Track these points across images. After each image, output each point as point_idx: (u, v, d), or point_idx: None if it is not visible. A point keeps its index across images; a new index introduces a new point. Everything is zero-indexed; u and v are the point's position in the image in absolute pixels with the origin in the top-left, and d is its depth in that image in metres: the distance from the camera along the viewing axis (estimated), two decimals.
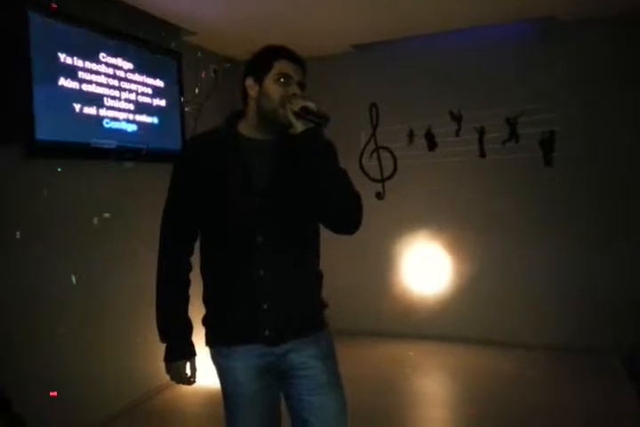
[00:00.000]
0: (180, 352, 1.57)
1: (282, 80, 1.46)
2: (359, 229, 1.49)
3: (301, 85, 1.51)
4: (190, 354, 1.58)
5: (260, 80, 1.49)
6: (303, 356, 1.52)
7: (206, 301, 1.58)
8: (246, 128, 1.53)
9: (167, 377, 1.60)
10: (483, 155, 4.08)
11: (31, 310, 2.64)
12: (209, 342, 1.59)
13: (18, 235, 2.57)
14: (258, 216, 1.47)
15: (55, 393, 2.62)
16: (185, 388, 3.49)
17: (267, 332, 1.48)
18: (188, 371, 1.59)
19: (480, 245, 4.12)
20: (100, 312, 3.00)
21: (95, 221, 2.98)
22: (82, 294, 2.89)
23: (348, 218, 1.46)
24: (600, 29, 3.73)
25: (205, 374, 3.81)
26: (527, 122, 3.89)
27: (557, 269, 3.93)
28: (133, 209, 3.25)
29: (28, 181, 2.63)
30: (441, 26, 3.85)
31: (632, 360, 3.50)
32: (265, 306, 1.47)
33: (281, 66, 1.47)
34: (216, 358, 1.58)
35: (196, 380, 1.62)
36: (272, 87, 1.46)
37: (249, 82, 1.51)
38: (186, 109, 3.65)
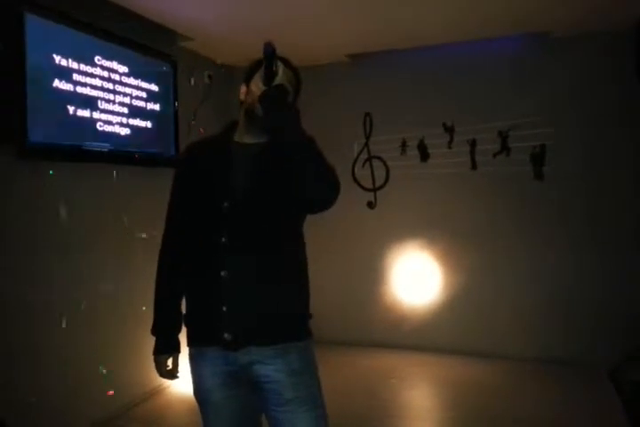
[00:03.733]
0: (163, 347, 1.65)
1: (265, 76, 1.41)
2: (333, 205, 1.46)
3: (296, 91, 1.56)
4: (172, 349, 1.66)
5: (247, 82, 1.52)
6: (268, 369, 1.46)
7: (185, 301, 1.65)
8: (238, 133, 1.57)
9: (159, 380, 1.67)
10: (474, 167, 4.11)
11: (23, 313, 2.61)
12: (187, 342, 1.62)
13: (10, 237, 2.56)
14: (225, 217, 1.47)
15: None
16: (175, 393, 3.50)
17: (225, 335, 1.46)
18: (170, 365, 1.66)
19: (470, 257, 4.14)
20: (89, 318, 2.97)
21: (87, 226, 2.97)
22: (74, 297, 2.87)
23: (326, 187, 1.43)
24: (593, 45, 3.78)
25: (190, 383, 3.77)
26: (519, 135, 3.93)
27: (546, 282, 3.96)
28: (125, 213, 3.23)
29: (20, 182, 2.62)
30: (436, 38, 3.89)
31: (618, 373, 3.52)
32: (224, 308, 1.45)
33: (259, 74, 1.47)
34: (190, 362, 1.61)
35: (179, 376, 1.70)
36: (256, 84, 1.45)
37: (242, 89, 1.55)
38: (180, 114, 3.65)
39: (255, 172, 1.49)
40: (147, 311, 3.38)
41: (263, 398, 1.50)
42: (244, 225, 1.47)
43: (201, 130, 3.95)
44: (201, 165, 1.56)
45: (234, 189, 1.48)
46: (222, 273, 1.45)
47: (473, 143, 4.09)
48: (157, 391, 3.46)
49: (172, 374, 1.68)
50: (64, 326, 2.82)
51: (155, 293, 1.66)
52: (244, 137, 1.55)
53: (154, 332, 1.67)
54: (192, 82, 3.90)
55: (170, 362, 1.67)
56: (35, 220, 2.69)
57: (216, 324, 1.48)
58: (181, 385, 3.61)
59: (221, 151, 1.55)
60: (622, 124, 3.76)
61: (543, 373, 3.76)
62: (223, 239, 1.47)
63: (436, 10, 3.30)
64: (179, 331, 1.65)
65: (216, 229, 1.48)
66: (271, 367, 1.46)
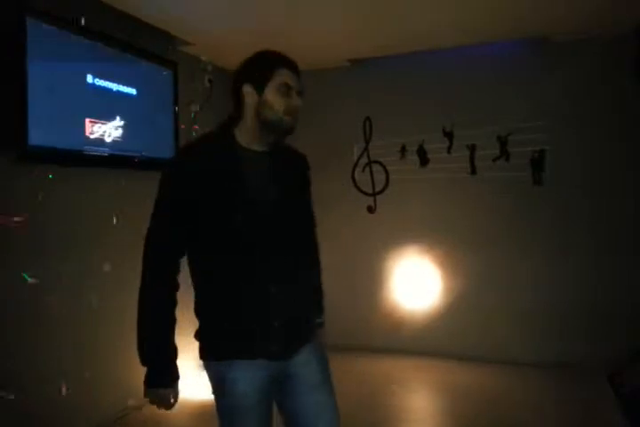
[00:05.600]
0: (164, 378, 1.47)
1: (283, 90, 1.46)
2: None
3: (300, 94, 1.52)
4: (177, 379, 1.49)
5: (259, 89, 1.46)
6: (301, 358, 1.53)
7: (205, 313, 1.52)
8: (244, 137, 1.50)
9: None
10: (473, 172, 4.11)
11: (23, 313, 2.61)
12: (208, 355, 1.53)
13: (10, 239, 2.55)
14: (262, 231, 1.45)
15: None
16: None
17: (275, 347, 1.47)
18: (174, 397, 1.49)
19: (469, 261, 4.14)
20: (90, 320, 2.96)
21: (87, 227, 2.97)
22: (74, 300, 2.87)
23: None
24: (592, 49, 3.79)
25: (193, 387, 3.78)
26: (518, 140, 3.94)
27: (545, 286, 3.95)
28: (125, 217, 3.23)
29: (19, 186, 2.62)
30: (435, 43, 3.90)
31: (618, 376, 3.51)
32: (272, 321, 1.47)
33: (282, 76, 1.47)
34: (215, 370, 1.51)
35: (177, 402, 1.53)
36: (274, 98, 1.45)
37: (247, 89, 1.47)
38: (180, 118, 3.65)
39: (277, 184, 1.50)
40: None
41: (290, 386, 1.53)
42: (281, 238, 1.49)
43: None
44: (211, 176, 1.43)
45: (264, 202, 1.46)
46: (270, 287, 1.46)
47: (472, 148, 4.10)
48: None
49: (172, 404, 1.50)
50: (64, 327, 2.81)
51: (144, 318, 1.48)
52: (252, 142, 1.50)
53: (147, 363, 1.46)
54: (192, 86, 3.91)
55: (173, 394, 1.48)
56: (34, 223, 2.68)
57: (263, 337, 1.46)
58: (182, 389, 3.60)
59: (234, 161, 1.46)
60: (622, 128, 3.77)
61: (543, 376, 3.75)
62: (265, 253, 1.46)
63: (437, 15, 3.31)
64: (177, 358, 1.51)
65: (255, 244, 1.45)
66: (303, 356, 1.54)
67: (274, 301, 1.46)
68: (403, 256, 4.36)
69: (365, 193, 4.41)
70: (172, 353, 1.49)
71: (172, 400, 1.48)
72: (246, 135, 1.50)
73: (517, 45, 3.93)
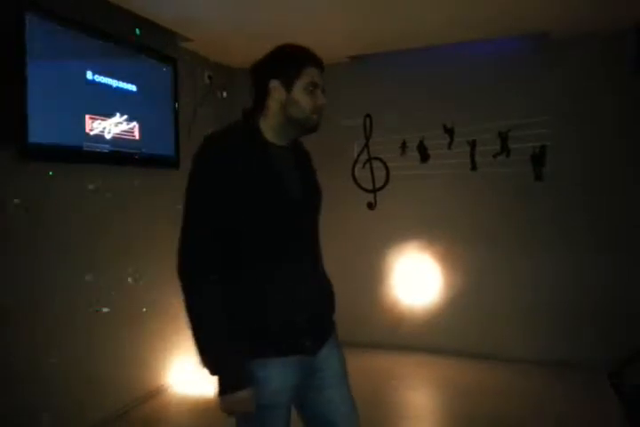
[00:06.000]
0: (247, 379, 1.39)
1: (310, 89, 1.47)
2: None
3: (324, 91, 1.53)
4: (251, 380, 1.41)
5: (287, 86, 1.46)
6: (325, 348, 1.56)
7: (234, 312, 1.43)
8: (268, 132, 1.50)
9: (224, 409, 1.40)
10: (474, 168, 4.11)
11: (23, 313, 2.61)
12: (254, 351, 1.45)
13: (10, 237, 2.55)
14: (299, 226, 1.49)
15: None
16: (176, 395, 3.51)
17: (308, 343, 1.49)
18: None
19: (470, 258, 4.14)
20: (88, 319, 2.97)
21: (87, 226, 2.97)
22: (74, 298, 2.87)
23: None
24: (592, 46, 3.78)
25: (193, 383, 3.80)
26: (519, 136, 3.93)
27: (546, 283, 3.95)
28: (125, 214, 3.24)
29: (19, 183, 2.61)
30: (436, 39, 3.89)
31: (618, 375, 3.51)
32: (308, 316, 1.48)
33: (310, 74, 1.48)
34: (254, 368, 1.44)
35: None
36: (302, 96, 1.46)
37: (274, 84, 1.47)
38: (179, 115, 3.65)
39: (304, 179, 1.55)
40: (147, 312, 3.40)
41: (315, 379, 1.54)
42: (313, 233, 1.54)
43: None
44: (249, 172, 1.40)
45: (298, 197, 1.49)
46: (309, 282, 1.49)
47: (473, 144, 4.09)
48: (158, 392, 3.46)
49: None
50: (64, 326, 2.82)
51: (207, 321, 1.39)
52: (277, 137, 1.51)
53: (223, 368, 1.39)
54: (192, 82, 3.90)
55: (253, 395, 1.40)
56: (35, 220, 2.68)
57: (296, 333, 1.47)
58: (183, 386, 3.61)
59: (266, 157, 1.45)
60: (622, 124, 3.76)
61: (543, 374, 3.76)
62: (301, 248, 1.49)
63: (436, 10, 3.30)
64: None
65: (292, 239, 1.47)
66: (326, 350, 1.55)
67: (305, 297, 1.48)
68: (403, 252, 4.36)
69: (365, 189, 4.41)
70: (241, 351, 1.42)
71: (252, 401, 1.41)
72: (270, 130, 1.50)
73: (517, 42, 3.92)
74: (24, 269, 2.62)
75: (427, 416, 3.27)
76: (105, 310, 3.07)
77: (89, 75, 2.90)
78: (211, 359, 1.40)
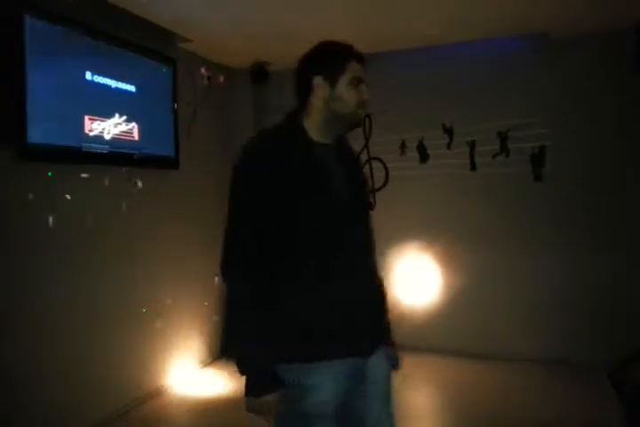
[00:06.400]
0: (273, 383, 1.37)
1: (355, 84, 1.46)
2: None
3: (367, 86, 1.52)
4: (279, 384, 1.38)
5: (332, 81, 1.45)
6: (378, 365, 1.52)
7: (275, 312, 1.39)
8: (312, 130, 1.47)
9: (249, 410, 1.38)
10: (473, 168, 4.11)
11: (23, 314, 2.61)
12: (294, 356, 1.39)
13: (9, 238, 2.55)
14: (350, 225, 1.46)
15: None
16: (175, 395, 3.51)
17: (363, 344, 1.45)
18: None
19: (469, 258, 4.14)
20: (88, 320, 2.97)
21: (86, 227, 2.97)
22: (74, 298, 2.87)
23: None
24: (592, 45, 3.78)
25: (192, 384, 3.79)
26: (518, 136, 3.93)
27: (546, 283, 3.95)
28: (125, 215, 3.23)
29: (19, 184, 2.61)
30: (436, 39, 3.89)
31: (618, 374, 3.51)
32: (363, 318, 1.45)
33: (354, 69, 1.47)
34: (293, 376, 1.39)
35: None
36: (347, 91, 1.46)
37: (318, 81, 1.45)
38: (179, 115, 3.65)
39: (353, 174, 1.54)
40: (147, 313, 3.40)
41: (367, 388, 1.50)
42: (362, 232, 1.52)
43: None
44: (294, 170, 1.39)
45: (345, 196, 1.46)
46: (360, 283, 1.45)
47: (472, 144, 4.09)
48: (158, 393, 3.45)
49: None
50: (64, 326, 2.82)
51: (244, 320, 1.37)
52: (321, 135, 1.48)
53: (252, 367, 1.37)
54: (191, 83, 3.90)
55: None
56: (34, 221, 2.68)
57: (356, 334, 1.43)
58: (183, 387, 3.61)
59: (311, 156, 1.43)
60: (622, 124, 3.77)
61: (543, 374, 3.76)
62: (352, 247, 1.46)
63: (436, 10, 3.30)
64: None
65: (343, 238, 1.44)
66: (376, 358, 1.51)
67: (362, 294, 1.45)
68: (402, 252, 4.36)
69: None
70: (270, 356, 1.39)
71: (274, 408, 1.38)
72: (314, 128, 1.48)
73: (517, 42, 3.92)
74: (23, 269, 2.62)
75: (426, 416, 3.27)
76: (103, 310, 3.07)
77: (88, 75, 2.90)
78: (240, 359, 1.39)
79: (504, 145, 4.01)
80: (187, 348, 3.80)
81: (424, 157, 4.25)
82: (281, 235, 1.38)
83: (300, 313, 1.38)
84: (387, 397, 1.56)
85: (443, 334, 4.20)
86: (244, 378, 1.38)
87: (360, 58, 1.50)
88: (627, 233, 3.77)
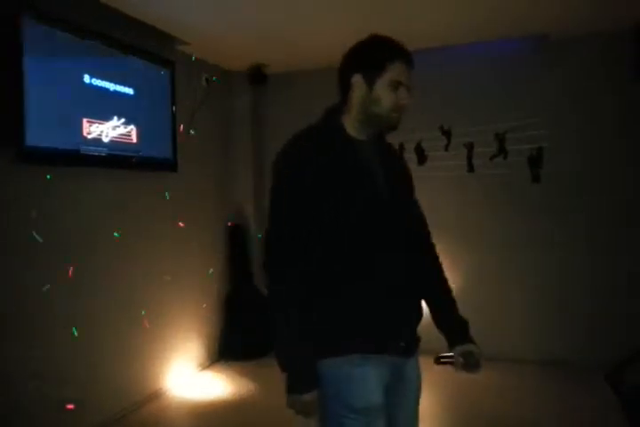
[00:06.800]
0: (313, 382, 1.35)
1: (394, 86, 1.40)
2: None
3: (410, 89, 1.45)
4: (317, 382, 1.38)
5: (370, 81, 1.40)
6: (414, 370, 1.53)
7: (324, 306, 1.39)
8: (350, 127, 1.45)
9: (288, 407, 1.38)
10: (471, 170, 4.12)
11: (21, 316, 2.61)
12: (325, 351, 1.38)
13: (8, 240, 2.55)
14: (390, 221, 1.43)
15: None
16: (174, 398, 3.49)
17: (403, 343, 1.45)
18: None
19: (467, 259, 4.14)
20: (87, 322, 2.96)
21: (85, 229, 2.96)
22: (72, 301, 2.86)
23: None
24: (591, 47, 3.79)
25: (190, 388, 3.78)
26: (516, 138, 3.94)
27: (544, 284, 3.96)
28: (124, 217, 3.23)
29: (17, 187, 2.61)
30: (434, 41, 3.90)
31: (616, 375, 3.51)
32: (403, 315, 1.45)
33: (396, 71, 1.40)
34: (337, 367, 1.37)
35: None
36: (385, 93, 1.40)
37: (357, 79, 1.41)
38: (177, 118, 3.65)
39: (388, 174, 1.49)
40: (145, 315, 3.39)
41: (403, 391, 1.50)
42: (403, 229, 1.48)
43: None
44: (337, 167, 1.37)
45: (386, 193, 1.44)
46: (403, 279, 1.43)
47: (470, 146, 4.10)
48: (156, 396, 3.45)
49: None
50: (62, 329, 2.81)
51: (286, 317, 1.36)
52: (358, 132, 1.46)
53: (295, 365, 1.35)
54: (190, 85, 3.90)
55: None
56: (33, 224, 2.68)
57: (395, 331, 1.43)
58: (181, 390, 3.60)
59: (351, 153, 1.42)
60: (620, 126, 3.78)
61: (541, 374, 3.76)
62: (396, 245, 1.44)
63: (436, 13, 3.31)
64: None
65: (386, 235, 1.42)
66: (416, 369, 1.55)
67: (405, 291, 1.44)
68: None
69: None
70: (312, 355, 1.38)
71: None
72: (352, 125, 1.45)
73: (517, 43, 3.93)
74: (22, 271, 2.61)
75: (426, 416, 3.26)
76: (102, 312, 3.06)
77: (86, 78, 2.90)
78: (282, 357, 1.37)
79: (502, 147, 4.01)
80: (185, 350, 3.79)
81: (422, 158, 4.25)
82: (324, 232, 1.36)
83: (344, 309, 1.38)
84: (417, 400, 1.56)
85: (440, 335, 4.18)
86: (285, 375, 1.37)
87: (405, 58, 1.43)
88: (626, 233, 3.78)
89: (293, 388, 1.35)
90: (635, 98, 3.69)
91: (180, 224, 3.73)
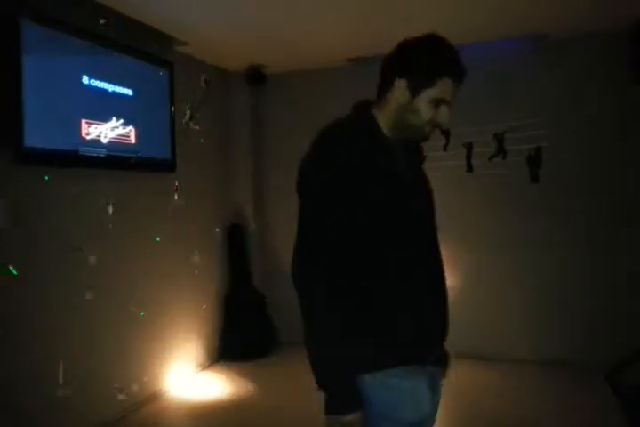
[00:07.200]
0: (357, 400, 1.22)
1: (436, 102, 1.31)
2: None
3: (451, 105, 1.38)
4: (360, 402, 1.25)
5: (414, 91, 1.30)
6: (440, 379, 1.46)
7: (380, 317, 1.29)
8: (384, 127, 1.37)
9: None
10: (470, 170, 4.12)
11: (20, 315, 2.60)
12: (370, 364, 1.28)
13: (6, 241, 2.54)
14: (428, 223, 1.41)
15: None
16: (173, 399, 3.49)
17: (436, 351, 1.41)
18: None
19: (466, 259, 4.13)
20: (86, 322, 2.96)
21: (83, 230, 2.96)
22: (70, 302, 2.85)
23: None
24: (590, 47, 3.80)
25: (190, 388, 3.77)
26: (515, 138, 3.94)
27: (542, 284, 3.96)
28: (122, 218, 3.23)
29: (15, 188, 2.60)
30: None
31: (615, 375, 3.52)
32: (442, 323, 1.39)
33: (444, 88, 1.30)
34: (390, 380, 1.28)
35: None
36: (425, 108, 1.31)
37: (401, 84, 1.31)
38: (176, 119, 3.64)
39: (419, 175, 1.47)
40: (145, 317, 3.39)
41: (434, 410, 1.46)
42: (432, 227, 1.45)
43: (201, 140, 3.97)
44: (376, 165, 1.29)
45: (421, 194, 1.43)
46: (443, 284, 1.40)
47: (469, 146, 4.10)
48: (156, 397, 3.44)
49: None
50: (61, 330, 2.81)
51: (327, 329, 1.23)
52: (389, 133, 1.37)
53: (334, 382, 1.22)
54: (189, 86, 3.90)
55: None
56: (31, 225, 2.67)
57: (434, 338, 1.38)
58: (181, 391, 3.60)
59: (387, 153, 1.34)
60: (619, 125, 3.78)
61: (541, 375, 3.76)
62: (432, 248, 1.40)
63: (435, 13, 3.30)
64: None
65: (425, 237, 1.39)
66: (438, 379, 1.46)
67: (443, 296, 1.39)
68: None
69: None
70: (355, 370, 1.27)
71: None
72: (385, 124, 1.37)
73: (516, 43, 3.93)
74: (20, 271, 2.60)
75: None
76: (102, 313, 3.06)
77: (85, 79, 2.89)
78: (321, 373, 1.24)
79: (501, 147, 4.01)
80: (185, 351, 3.79)
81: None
82: (362, 234, 1.27)
83: (390, 315, 1.29)
84: (433, 418, 1.49)
85: None
86: (323, 393, 1.24)
87: (457, 75, 1.33)
88: (625, 234, 3.78)
89: (335, 407, 1.21)
90: (634, 98, 3.69)
91: (180, 224, 3.73)
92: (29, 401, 2.59)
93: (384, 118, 1.36)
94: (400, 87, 1.31)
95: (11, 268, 2.55)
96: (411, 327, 1.30)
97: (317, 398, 1.27)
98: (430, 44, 1.33)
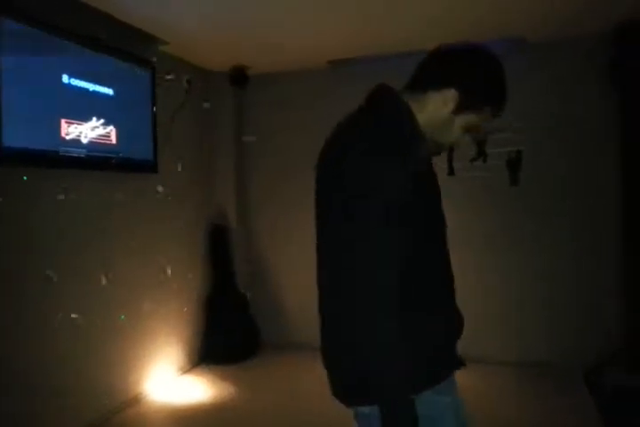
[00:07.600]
0: (413, 418, 1.10)
1: (469, 128, 1.28)
2: None
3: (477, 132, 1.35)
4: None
5: (459, 106, 1.23)
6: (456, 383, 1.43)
7: (425, 328, 1.24)
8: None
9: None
10: (452, 173, 4.15)
11: (7, 319, 2.55)
12: (430, 381, 1.22)
13: None
14: (444, 226, 1.39)
15: None
16: (153, 402, 3.45)
17: (457, 358, 1.39)
18: None
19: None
20: (66, 327, 2.91)
21: (63, 232, 2.92)
22: (52, 307, 2.81)
23: None
24: (569, 51, 3.84)
25: (171, 392, 3.74)
26: (495, 141, 3.97)
27: (523, 287, 4.00)
28: (103, 220, 3.19)
29: None
30: (415, 44, 3.90)
31: (593, 376, 3.57)
32: (459, 330, 1.40)
33: (485, 115, 1.27)
34: (439, 398, 1.23)
35: None
36: (458, 128, 1.27)
37: (450, 95, 1.22)
38: (158, 119, 3.61)
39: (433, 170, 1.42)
40: (125, 321, 3.35)
41: None
42: (446, 242, 1.43)
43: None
44: (416, 167, 1.22)
45: (439, 196, 1.40)
46: (451, 287, 1.41)
47: (451, 149, 4.12)
48: (136, 401, 3.40)
49: None
50: (44, 334, 2.76)
51: (392, 340, 1.10)
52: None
53: (404, 408, 1.09)
54: (170, 86, 3.87)
55: None
56: (9, 225, 2.62)
57: (455, 347, 1.38)
58: (161, 395, 3.56)
59: (424, 151, 1.29)
60: (599, 128, 3.82)
61: (521, 376, 3.79)
62: (447, 252, 1.40)
63: (417, 16, 3.32)
64: None
65: (444, 242, 1.39)
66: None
67: (456, 306, 1.41)
68: None
69: None
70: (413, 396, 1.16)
71: None
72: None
73: (495, 46, 3.95)
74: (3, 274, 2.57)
75: None
76: (82, 317, 3.01)
77: (65, 78, 2.85)
78: (387, 400, 1.10)
79: (481, 150, 4.05)
80: (165, 354, 3.75)
81: None
82: (410, 251, 1.18)
83: (436, 327, 1.26)
84: None
85: None
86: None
87: (501, 109, 1.29)
88: (607, 236, 3.81)
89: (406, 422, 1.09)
90: (612, 101, 3.74)
91: (162, 225, 3.69)
92: (8, 407, 2.53)
93: (418, 114, 1.26)
94: (447, 97, 1.23)
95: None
96: (445, 341, 1.32)
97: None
98: (496, 70, 1.30)
